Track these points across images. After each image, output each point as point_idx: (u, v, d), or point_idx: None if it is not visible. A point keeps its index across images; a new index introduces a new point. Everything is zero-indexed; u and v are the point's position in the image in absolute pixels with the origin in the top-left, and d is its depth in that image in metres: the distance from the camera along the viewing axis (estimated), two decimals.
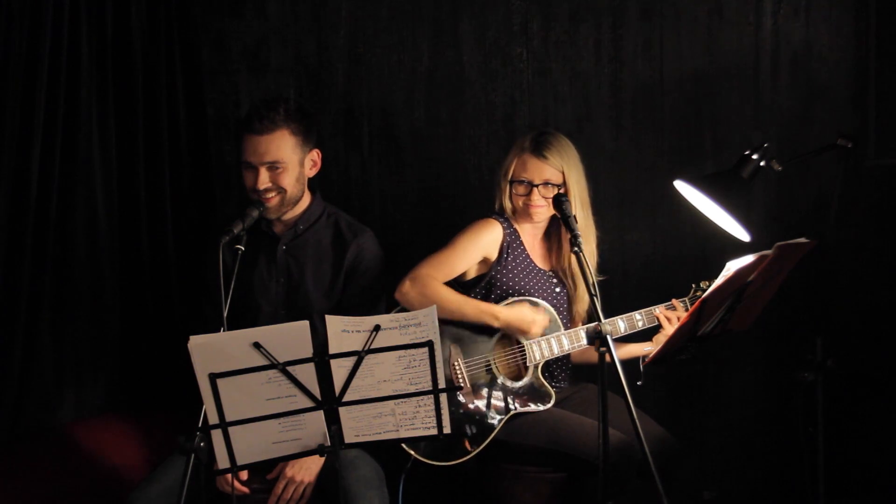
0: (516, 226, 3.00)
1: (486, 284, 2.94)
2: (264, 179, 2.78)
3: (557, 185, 2.90)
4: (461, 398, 2.83)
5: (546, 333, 2.91)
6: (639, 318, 2.94)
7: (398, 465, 2.85)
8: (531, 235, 3.04)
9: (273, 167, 2.79)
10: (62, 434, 2.96)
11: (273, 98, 2.87)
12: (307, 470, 2.66)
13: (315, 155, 2.91)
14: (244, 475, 2.70)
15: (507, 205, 2.97)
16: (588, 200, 2.99)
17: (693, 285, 3.01)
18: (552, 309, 2.94)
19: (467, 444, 2.82)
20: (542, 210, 2.92)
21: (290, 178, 2.82)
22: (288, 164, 2.80)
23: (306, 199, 2.94)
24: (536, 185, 2.89)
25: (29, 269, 2.91)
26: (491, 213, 3.00)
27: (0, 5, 2.81)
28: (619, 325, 2.92)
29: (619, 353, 2.92)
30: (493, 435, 2.83)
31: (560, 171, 2.90)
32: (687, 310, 2.90)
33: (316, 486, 2.70)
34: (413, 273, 2.84)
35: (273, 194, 2.81)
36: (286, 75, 3.56)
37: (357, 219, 3.03)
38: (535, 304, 2.92)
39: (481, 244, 2.93)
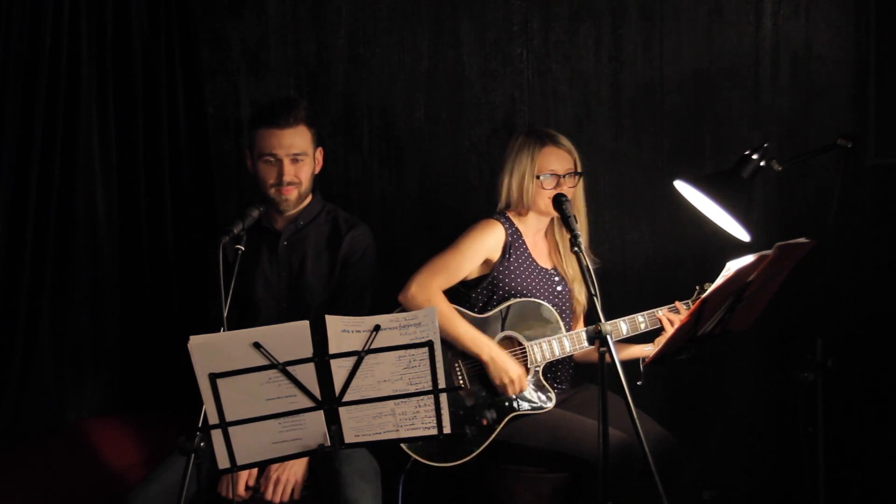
0: (518, 225, 2.99)
1: (488, 285, 2.94)
2: (290, 171, 2.84)
3: (577, 174, 2.93)
4: (461, 398, 2.83)
5: (548, 335, 2.91)
6: (641, 321, 2.94)
7: (398, 465, 2.85)
8: (533, 234, 3.03)
9: (296, 159, 2.85)
10: (62, 434, 2.96)
11: (289, 98, 2.95)
12: (291, 469, 2.67)
13: (319, 153, 2.97)
14: (251, 481, 2.70)
15: (541, 204, 2.91)
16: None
17: (697, 287, 3.00)
18: (555, 311, 2.94)
19: (467, 446, 2.81)
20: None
21: (308, 172, 2.90)
22: (307, 157, 2.88)
23: (308, 196, 2.97)
24: (563, 176, 2.90)
25: (29, 269, 2.91)
26: (492, 213, 3.00)
27: (0, 5, 2.81)
28: (622, 326, 2.92)
29: (621, 354, 2.93)
30: (493, 436, 2.83)
31: (575, 158, 2.94)
32: None
33: (310, 477, 2.71)
34: (419, 278, 2.83)
35: (292, 187, 2.86)
36: (286, 75, 3.56)
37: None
38: (536, 309, 2.92)
39: (485, 246, 2.93)
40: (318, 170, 2.96)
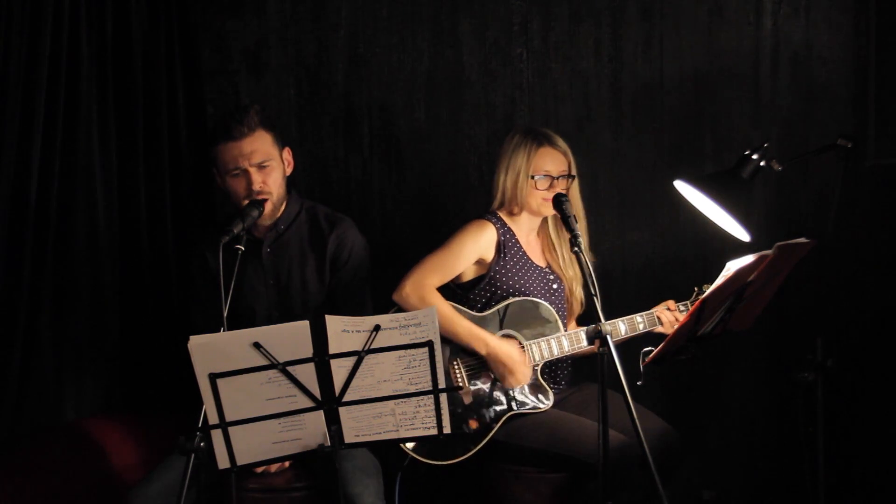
0: (510, 224, 3.00)
1: (486, 285, 2.94)
2: (258, 180, 2.79)
3: (571, 176, 2.93)
4: (460, 397, 2.83)
5: (546, 335, 2.91)
6: (640, 321, 2.94)
7: (396, 462, 2.85)
8: (526, 233, 3.03)
9: (262, 166, 2.80)
10: (62, 434, 2.96)
11: (238, 106, 2.90)
12: None
13: (287, 154, 2.93)
14: None
15: (532, 204, 2.93)
16: None
17: (696, 288, 3.00)
18: (553, 310, 2.94)
19: (465, 444, 2.82)
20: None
21: (277, 177, 2.84)
22: (273, 161, 2.83)
23: (285, 199, 2.94)
24: (556, 178, 2.91)
25: (29, 270, 2.91)
26: (483, 213, 3.00)
27: (0, 6, 2.81)
28: (620, 327, 2.92)
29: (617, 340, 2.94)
30: (490, 435, 2.83)
31: (570, 161, 2.95)
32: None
33: (311, 475, 2.71)
34: (413, 277, 2.84)
35: (265, 197, 2.81)
36: (286, 75, 3.56)
37: (357, 219, 3.03)
38: (535, 308, 2.92)
39: (476, 246, 2.93)
40: (289, 171, 2.92)
